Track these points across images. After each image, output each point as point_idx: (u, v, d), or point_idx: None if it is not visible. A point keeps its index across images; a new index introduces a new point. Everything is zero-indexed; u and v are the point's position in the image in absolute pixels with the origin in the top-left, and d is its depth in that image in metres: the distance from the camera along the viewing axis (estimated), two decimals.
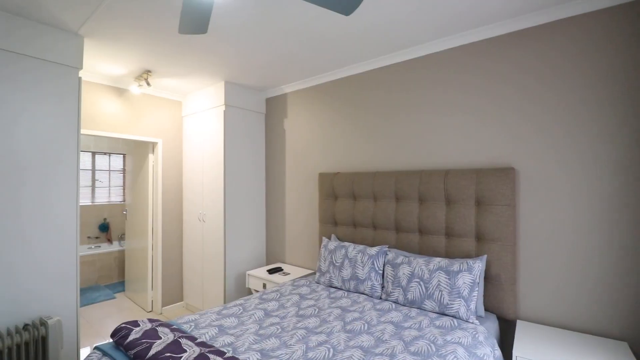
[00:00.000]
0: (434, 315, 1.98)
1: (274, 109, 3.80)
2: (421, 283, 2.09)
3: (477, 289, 1.97)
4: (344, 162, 3.10)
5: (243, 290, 3.55)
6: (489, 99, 2.27)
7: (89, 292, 4.49)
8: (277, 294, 2.40)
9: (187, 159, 3.96)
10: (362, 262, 2.41)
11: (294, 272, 3.24)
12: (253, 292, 3.27)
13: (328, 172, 3.15)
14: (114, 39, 2.47)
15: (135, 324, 1.68)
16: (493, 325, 2.00)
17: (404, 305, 2.15)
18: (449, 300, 1.97)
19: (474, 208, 2.22)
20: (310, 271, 3.25)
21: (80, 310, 3.51)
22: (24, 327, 2.09)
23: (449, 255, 2.31)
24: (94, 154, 5.61)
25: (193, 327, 1.83)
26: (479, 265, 2.01)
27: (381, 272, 2.36)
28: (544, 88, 2.06)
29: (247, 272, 3.30)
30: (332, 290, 2.49)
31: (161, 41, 2.49)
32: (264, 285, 3.11)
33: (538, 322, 2.06)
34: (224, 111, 3.41)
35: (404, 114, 2.69)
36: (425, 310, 2.06)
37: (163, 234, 3.84)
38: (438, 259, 2.14)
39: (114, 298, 4.34)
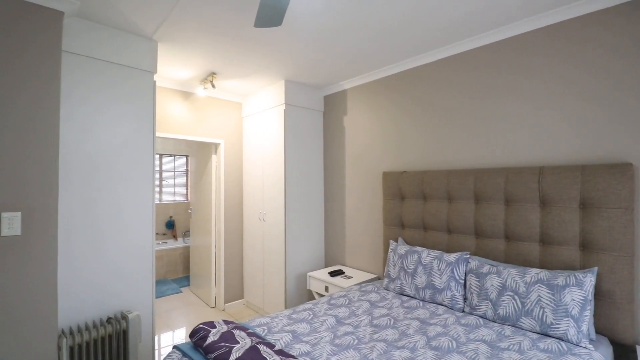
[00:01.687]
0: (535, 335, 1.71)
1: (332, 107, 3.69)
2: (516, 297, 1.82)
3: (589, 307, 1.66)
4: (411, 160, 2.88)
5: (303, 292, 3.49)
6: (597, 81, 1.92)
7: (158, 286, 4.77)
8: (345, 300, 2.28)
9: (247, 159, 4.01)
10: (439, 269, 2.19)
11: (357, 275, 3.10)
12: (315, 294, 3.19)
13: (393, 171, 2.96)
14: (183, 42, 2.52)
15: (212, 325, 1.66)
16: (607, 350, 1.67)
17: (494, 322, 1.89)
18: (554, 320, 1.68)
19: (578, 211, 1.89)
20: (373, 275, 3.08)
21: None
22: (107, 321, 2.20)
23: (544, 265, 2.00)
24: (160, 155, 5.97)
25: (266, 331, 1.77)
26: (590, 280, 1.69)
27: (462, 281, 2.12)
28: None
29: (308, 274, 3.23)
30: (405, 298, 2.30)
31: (228, 39, 2.49)
32: (326, 288, 3.01)
33: None
34: (284, 110, 3.37)
35: (483, 105, 2.41)
36: (522, 329, 1.79)
37: (225, 233, 3.93)
38: (535, 270, 1.86)
39: (180, 292, 4.55)
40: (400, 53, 2.71)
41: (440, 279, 2.16)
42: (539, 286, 1.77)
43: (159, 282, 4.95)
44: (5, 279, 1.71)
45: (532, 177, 2.04)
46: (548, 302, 1.72)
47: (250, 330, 1.64)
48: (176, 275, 5.33)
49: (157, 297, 4.36)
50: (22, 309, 1.75)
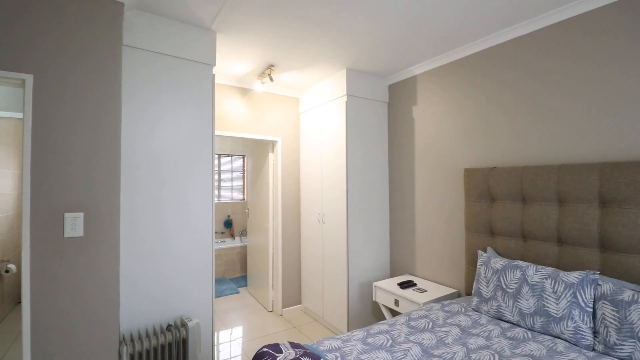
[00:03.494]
0: None
1: (399, 96, 3.31)
2: None
3: None
4: (502, 154, 2.40)
5: (367, 302, 3.16)
6: None
7: (217, 285, 4.77)
8: (428, 322, 1.90)
9: (304, 156, 3.79)
10: (554, 291, 1.72)
11: (431, 289, 2.69)
12: (382, 307, 2.84)
13: (479, 167, 2.49)
14: (241, 31, 2.35)
15: (278, 349, 1.42)
16: None
17: None
18: None
19: None
20: (452, 290, 2.65)
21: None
22: (167, 328, 2.09)
23: None
24: (219, 155, 6.05)
25: (340, 359, 1.48)
26: None
27: (590, 310, 1.63)
28: None
29: (374, 284, 2.89)
30: (505, 325, 1.85)
31: (288, 24, 2.25)
32: (396, 302, 2.65)
33: None
34: (346, 102, 3.07)
35: (610, 76, 1.86)
36: None
37: (283, 233, 3.75)
38: None
39: (238, 292, 4.50)
40: (489, 24, 2.25)
41: (557, 304, 1.68)
42: None
43: (217, 281, 4.96)
44: (68, 281, 1.64)
45: None
46: None
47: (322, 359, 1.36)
48: (234, 274, 5.33)
49: (216, 296, 4.34)
50: (85, 313, 1.68)
